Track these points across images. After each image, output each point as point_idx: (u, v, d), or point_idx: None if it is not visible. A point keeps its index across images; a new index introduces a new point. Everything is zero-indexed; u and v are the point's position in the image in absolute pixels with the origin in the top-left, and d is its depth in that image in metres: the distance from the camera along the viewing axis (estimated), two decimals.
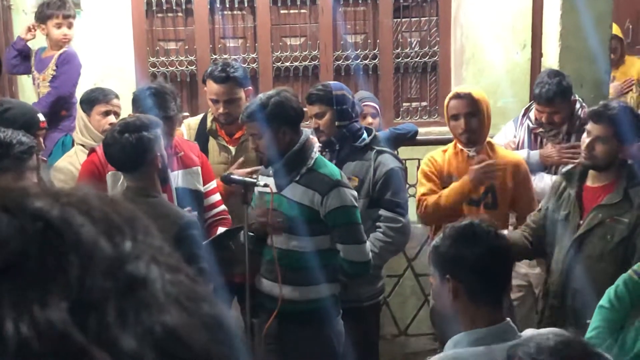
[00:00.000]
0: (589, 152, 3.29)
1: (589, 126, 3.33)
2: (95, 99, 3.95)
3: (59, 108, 4.54)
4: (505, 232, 3.22)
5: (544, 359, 1.54)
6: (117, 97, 3.96)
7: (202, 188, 3.58)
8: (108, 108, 3.92)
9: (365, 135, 3.63)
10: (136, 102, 3.55)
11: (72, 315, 0.43)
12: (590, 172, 3.37)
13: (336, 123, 3.55)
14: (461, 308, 2.23)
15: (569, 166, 3.77)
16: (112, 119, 3.86)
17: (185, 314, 0.47)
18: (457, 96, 3.71)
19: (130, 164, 2.98)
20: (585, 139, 3.33)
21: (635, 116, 3.32)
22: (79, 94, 4.37)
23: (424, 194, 3.71)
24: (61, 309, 0.43)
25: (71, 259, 0.45)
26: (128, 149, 2.93)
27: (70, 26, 4.67)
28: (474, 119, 3.62)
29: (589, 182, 3.37)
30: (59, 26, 4.64)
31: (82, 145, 3.89)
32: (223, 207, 3.65)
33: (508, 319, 2.24)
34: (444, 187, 3.72)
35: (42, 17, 4.66)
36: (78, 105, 4.09)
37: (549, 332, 1.64)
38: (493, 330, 2.15)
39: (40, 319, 0.43)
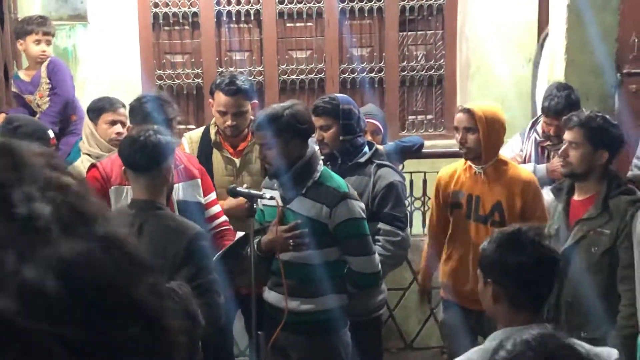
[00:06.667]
0: (564, 159, 3.30)
1: (564, 135, 3.35)
2: (102, 107, 3.95)
3: (66, 115, 4.56)
4: None
5: (520, 351, 1.56)
6: (124, 106, 3.95)
7: (202, 200, 3.57)
8: (115, 117, 3.92)
9: (366, 149, 3.60)
10: (133, 111, 3.57)
11: None
12: (576, 185, 3.36)
13: (340, 137, 3.53)
14: (500, 312, 2.26)
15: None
16: (118, 128, 3.87)
17: (79, 240, 0.52)
18: (461, 110, 3.73)
19: (147, 163, 2.94)
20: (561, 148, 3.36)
21: (606, 120, 3.29)
22: (84, 104, 4.38)
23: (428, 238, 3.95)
24: None
25: None
26: (149, 147, 2.92)
27: (48, 43, 4.65)
28: (470, 135, 3.60)
29: (575, 196, 3.36)
30: (37, 42, 4.63)
31: (89, 155, 3.89)
32: (224, 217, 3.64)
33: (547, 324, 2.24)
34: (450, 202, 3.72)
35: (21, 32, 4.65)
36: (85, 114, 4.10)
37: (527, 331, 1.66)
38: (528, 329, 2.16)
39: None
